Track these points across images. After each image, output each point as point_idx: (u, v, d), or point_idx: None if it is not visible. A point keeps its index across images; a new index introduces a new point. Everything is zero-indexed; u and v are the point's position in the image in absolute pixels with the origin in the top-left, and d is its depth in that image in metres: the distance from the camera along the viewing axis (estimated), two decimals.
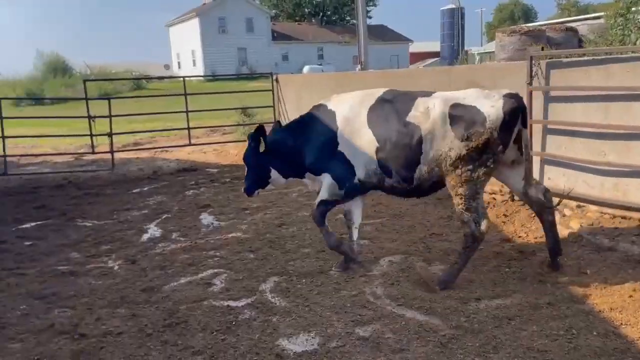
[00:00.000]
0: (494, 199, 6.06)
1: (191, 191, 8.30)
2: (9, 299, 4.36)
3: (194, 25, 45.48)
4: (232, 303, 4.11)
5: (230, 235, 5.87)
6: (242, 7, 46.31)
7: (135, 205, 7.49)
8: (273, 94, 11.50)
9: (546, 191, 4.23)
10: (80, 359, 3.38)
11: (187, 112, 10.23)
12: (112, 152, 9.62)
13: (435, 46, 53.08)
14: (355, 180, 4.32)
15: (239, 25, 46.11)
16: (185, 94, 10.22)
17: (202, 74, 44.28)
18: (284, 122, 5.17)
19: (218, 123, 13.45)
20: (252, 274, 4.67)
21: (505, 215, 5.75)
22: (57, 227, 6.50)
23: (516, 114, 3.81)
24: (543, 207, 4.20)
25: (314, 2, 56.74)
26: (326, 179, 4.42)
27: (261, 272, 4.71)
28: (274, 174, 4.71)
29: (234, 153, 10.96)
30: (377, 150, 4.15)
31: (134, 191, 8.45)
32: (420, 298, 4.00)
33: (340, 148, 4.31)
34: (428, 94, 4.12)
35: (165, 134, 13.94)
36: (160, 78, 37.15)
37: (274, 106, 11.55)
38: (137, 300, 4.23)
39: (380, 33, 50.73)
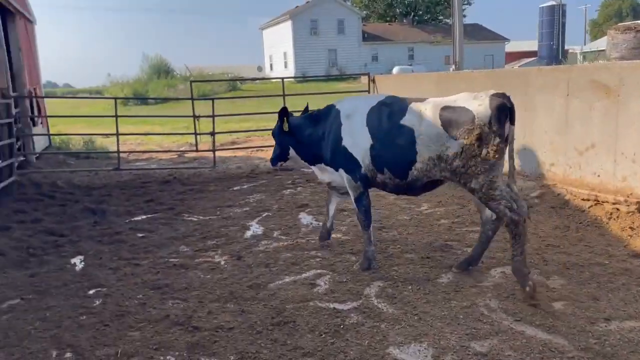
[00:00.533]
0: (618, 209, 5.53)
1: (288, 190, 8.41)
2: (127, 287, 4.60)
3: (286, 27, 46.60)
4: (338, 306, 4.05)
5: (331, 236, 5.84)
6: (334, 8, 46.74)
7: (237, 202, 7.71)
8: (369, 93, 11.40)
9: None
10: (196, 351, 3.46)
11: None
12: (214, 150, 9.99)
13: (531, 45, 50.54)
14: (363, 171, 4.65)
15: (330, 26, 46.59)
16: (284, 95, 10.38)
17: (293, 75, 45.21)
18: None
19: None
20: (355, 277, 4.59)
21: (632, 229, 5.23)
22: (166, 221, 6.82)
23: (504, 109, 4.02)
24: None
25: (406, 2, 56.01)
26: (343, 176, 4.83)
27: (364, 275, 4.62)
28: (292, 153, 5.25)
29: None
30: (371, 147, 4.52)
31: (235, 189, 8.71)
32: (540, 314, 3.71)
33: (344, 143, 4.69)
34: (422, 100, 4.44)
35: (259, 134, 14.34)
36: (256, 79, 38.46)
37: None
38: (245, 296, 4.29)
39: (474, 32, 48.99)
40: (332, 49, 46.65)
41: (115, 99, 9.81)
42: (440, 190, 5.04)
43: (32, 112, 10.87)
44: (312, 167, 5.25)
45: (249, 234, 6.14)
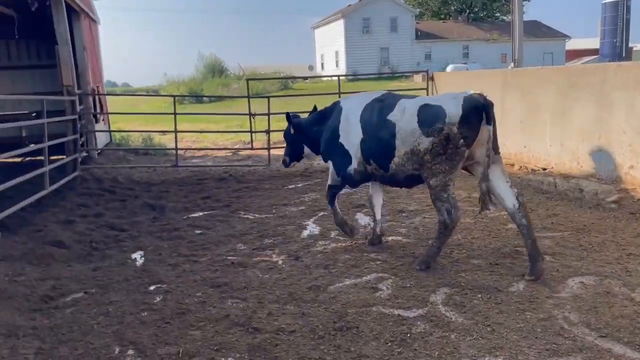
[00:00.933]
0: None
1: (343, 190, 8.23)
2: (186, 285, 4.56)
3: (338, 26, 46.48)
4: (402, 312, 3.85)
5: (390, 238, 5.64)
6: (387, 6, 46.18)
7: (292, 201, 7.62)
8: (427, 92, 11.08)
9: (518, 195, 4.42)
10: (257, 354, 3.35)
11: None
12: (269, 148, 9.97)
13: (591, 43, 48.12)
14: (350, 169, 5.00)
15: (382, 25, 46.11)
16: (339, 93, 10.23)
17: (344, 73, 45.02)
18: None
19: None
20: (419, 283, 4.37)
21: None
22: (223, 218, 6.82)
23: (477, 111, 4.16)
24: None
25: None
26: (330, 167, 5.31)
27: (429, 281, 4.39)
28: (306, 150, 5.72)
29: None
30: (362, 141, 4.81)
31: (289, 187, 8.64)
32: (628, 330, 3.39)
33: (340, 140, 5.01)
34: (412, 97, 4.74)
35: None
36: (308, 78, 38.44)
37: None
38: (305, 298, 4.16)
39: (533, 29, 47.22)
40: (384, 47, 46.13)
41: (174, 96, 9.95)
42: None
43: (95, 109, 11.19)
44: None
45: (305, 233, 6.02)
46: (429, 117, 4.31)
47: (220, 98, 28.00)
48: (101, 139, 12.26)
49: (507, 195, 4.35)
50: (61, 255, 5.48)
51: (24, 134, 12.33)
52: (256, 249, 5.48)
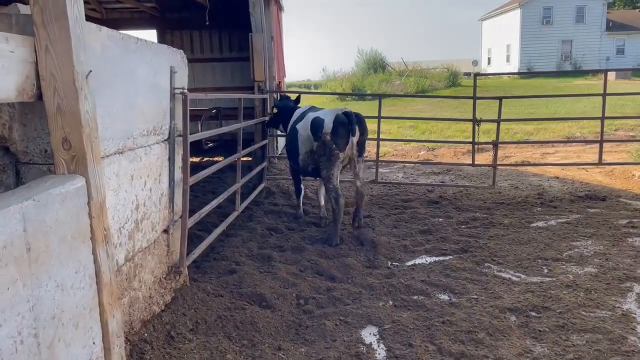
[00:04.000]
0: None
1: (636, 239, 5.67)
2: None
3: (513, 17, 41.87)
4: None
5: None
6: None
7: (562, 252, 5.26)
8: None
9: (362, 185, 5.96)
10: None
11: (602, 118, 7.57)
12: (494, 165, 7.66)
13: None
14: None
15: (566, 15, 40.49)
16: (605, 94, 7.55)
17: (516, 69, 40.56)
18: None
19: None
20: None
21: None
22: (470, 274, 4.72)
23: (342, 124, 5.45)
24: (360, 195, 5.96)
25: None
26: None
27: None
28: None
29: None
30: (286, 143, 6.33)
31: (538, 224, 6.27)
32: None
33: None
34: (318, 109, 6.04)
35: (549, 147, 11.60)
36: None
37: None
38: None
39: None
40: (567, 40, 40.52)
41: (380, 96, 8.10)
42: None
43: None
44: None
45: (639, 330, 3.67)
46: (315, 127, 5.57)
47: (386, 95, 26.15)
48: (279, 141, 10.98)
49: None
50: (266, 324, 3.85)
51: (201, 131, 11.56)
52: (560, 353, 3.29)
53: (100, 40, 2.72)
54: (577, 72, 35.43)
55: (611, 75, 34.95)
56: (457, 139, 13.52)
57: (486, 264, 5.03)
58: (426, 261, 5.25)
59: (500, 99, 7.45)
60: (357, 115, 5.62)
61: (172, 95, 3.87)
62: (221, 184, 8.71)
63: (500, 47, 44.55)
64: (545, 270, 4.79)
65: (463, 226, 6.31)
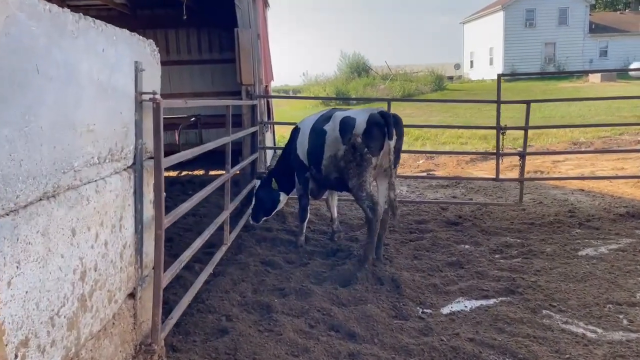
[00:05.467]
0: None
1: None
2: None
3: (496, 19, 41.35)
4: None
5: None
6: None
7: (636, 292, 4.27)
8: None
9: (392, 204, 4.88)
10: None
11: None
12: (521, 180, 6.65)
13: None
14: (307, 175, 5.45)
15: (549, 17, 40.10)
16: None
17: (500, 72, 40.00)
18: None
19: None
20: None
21: None
22: (530, 328, 3.67)
23: (378, 125, 4.67)
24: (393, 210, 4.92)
25: None
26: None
27: None
28: (282, 197, 5.95)
29: None
30: (308, 152, 5.31)
31: (588, 252, 5.27)
32: None
33: (297, 152, 5.47)
34: (345, 111, 5.18)
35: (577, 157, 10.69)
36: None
37: None
38: None
39: None
40: (550, 42, 40.14)
41: (389, 100, 7.05)
42: None
43: (269, 116, 8.76)
44: None
45: None
46: (346, 128, 4.81)
47: (368, 100, 25.08)
48: (268, 154, 9.85)
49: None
50: None
51: (178, 142, 10.37)
52: None
53: (5, 12, 1.59)
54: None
55: (596, 78, 34.70)
56: (467, 149, 12.59)
57: (545, 311, 4.00)
58: (466, 307, 4.20)
59: (528, 102, 6.46)
60: (395, 116, 4.81)
61: (139, 103, 2.74)
62: (203, 203, 7.56)
63: (482, 50, 44.05)
64: (625, 322, 3.77)
65: (497, 255, 5.29)
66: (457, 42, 49.79)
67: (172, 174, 9.83)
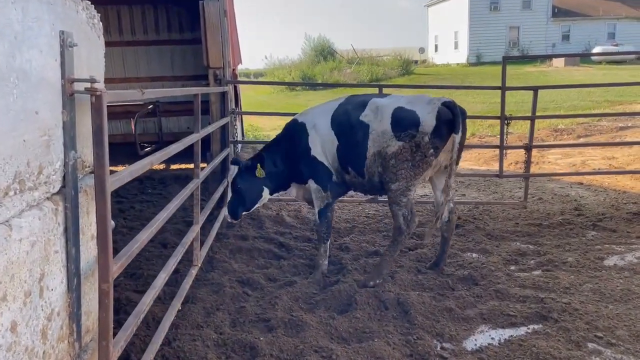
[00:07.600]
0: None
1: None
2: None
3: (461, 3, 40.97)
4: None
5: None
6: None
7: None
8: None
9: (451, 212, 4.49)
10: None
11: None
12: (527, 175, 5.94)
13: None
14: (334, 179, 4.49)
15: (514, 1, 40.06)
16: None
17: (465, 57, 39.88)
18: None
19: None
20: None
21: None
22: None
23: (449, 122, 4.03)
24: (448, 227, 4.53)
25: None
26: (311, 187, 4.54)
27: None
28: (265, 193, 4.71)
29: None
30: (338, 149, 4.35)
31: (611, 261, 4.62)
32: None
33: (313, 153, 4.44)
34: (383, 96, 4.47)
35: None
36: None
37: None
38: None
39: None
40: (514, 26, 40.10)
41: (380, 86, 6.22)
42: None
43: (237, 103, 7.81)
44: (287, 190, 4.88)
45: None
46: (404, 121, 4.10)
47: (335, 85, 24.06)
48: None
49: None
50: None
51: (135, 132, 9.28)
52: None
53: None
54: (525, 59, 35.02)
55: (560, 62, 34.89)
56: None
57: (590, 345, 3.30)
58: (493, 338, 3.47)
59: (535, 89, 5.76)
60: (460, 108, 4.16)
61: (68, 97, 1.81)
62: (162, 200, 6.61)
63: (447, 34, 43.68)
64: None
65: (513, 267, 4.59)
66: (421, 25, 49.14)
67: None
